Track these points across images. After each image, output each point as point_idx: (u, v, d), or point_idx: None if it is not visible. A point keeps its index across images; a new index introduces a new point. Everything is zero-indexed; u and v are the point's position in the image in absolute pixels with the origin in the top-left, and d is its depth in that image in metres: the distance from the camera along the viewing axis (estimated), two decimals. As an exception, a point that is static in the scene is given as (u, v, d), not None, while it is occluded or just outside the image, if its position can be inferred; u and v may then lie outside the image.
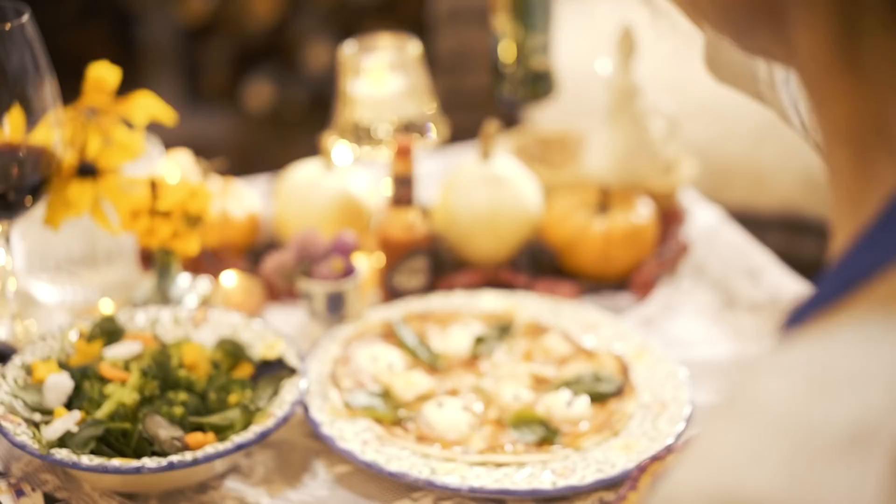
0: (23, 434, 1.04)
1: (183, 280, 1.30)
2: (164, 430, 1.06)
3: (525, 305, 1.32)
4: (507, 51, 1.54)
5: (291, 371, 1.13)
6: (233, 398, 1.10)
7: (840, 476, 0.42)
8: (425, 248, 1.33)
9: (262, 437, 1.06)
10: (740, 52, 1.05)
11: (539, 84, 1.55)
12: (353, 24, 3.47)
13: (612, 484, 1.07)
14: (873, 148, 0.49)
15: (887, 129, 0.49)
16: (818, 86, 0.51)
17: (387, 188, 1.34)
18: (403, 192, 1.31)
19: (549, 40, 1.55)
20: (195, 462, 1.02)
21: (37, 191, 1.21)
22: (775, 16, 0.53)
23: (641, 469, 1.04)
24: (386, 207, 1.35)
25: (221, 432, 1.07)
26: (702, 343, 1.30)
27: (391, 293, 1.33)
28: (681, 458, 0.46)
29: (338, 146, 1.42)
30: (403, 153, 1.29)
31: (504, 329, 1.27)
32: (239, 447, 1.04)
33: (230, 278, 1.34)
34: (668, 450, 1.08)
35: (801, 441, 0.43)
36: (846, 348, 0.45)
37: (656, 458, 1.05)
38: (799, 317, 0.49)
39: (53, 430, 1.04)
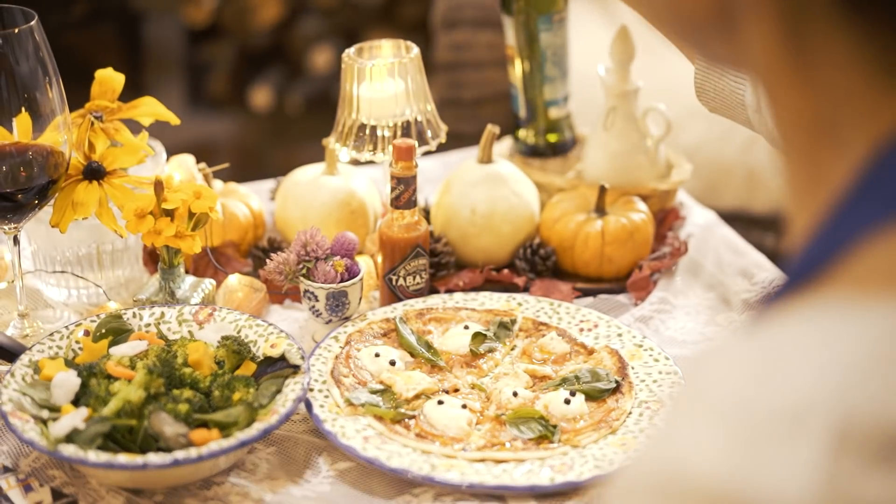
0: (31, 431, 1.05)
1: (187, 280, 1.31)
2: (169, 427, 1.07)
3: (524, 305, 1.33)
4: (523, 102, 1.55)
5: (294, 369, 1.15)
6: (236, 396, 1.11)
7: (780, 454, 0.43)
8: (426, 248, 1.34)
9: (266, 434, 1.07)
10: (725, 78, 1.06)
11: (559, 134, 1.56)
12: (355, 28, 3.48)
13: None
14: (823, 141, 0.51)
15: (835, 122, 0.50)
16: (770, 84, 0.53)
17: (388, 189, 1.35)
18: (404, 193, 1.32)
19: (568, 91, 1.56)
20: (200, 458, 1.04)
21: (44, 192, 1.22)
22: (727, 20, 0.54)
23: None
24: (387, 209, 1.35)
25: (225, 429, 1.08)
26: (697, 342, 1.31)
27: (392, 293, 1.34)
28: (640, 448, 0.48)
29: (340, 148, 1.43)
30: (404, 155, 1.30)
31: (503, 328, 1.29)
32: (243, 444, 1.05)
33: (233, 278, 1.35)
34: None
35: (744, 422, 0.44)
36: (794, 333, 0.46)
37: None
38: (762, 305, 0.50)
39: (61, 427, 1.06)
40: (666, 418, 0.48)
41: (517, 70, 1.54)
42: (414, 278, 1.33)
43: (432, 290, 1.39)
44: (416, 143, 1.30)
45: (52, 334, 1.18)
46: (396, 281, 1.33)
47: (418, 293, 1.34)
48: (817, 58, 0.50)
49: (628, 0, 0.77)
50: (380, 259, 1.34)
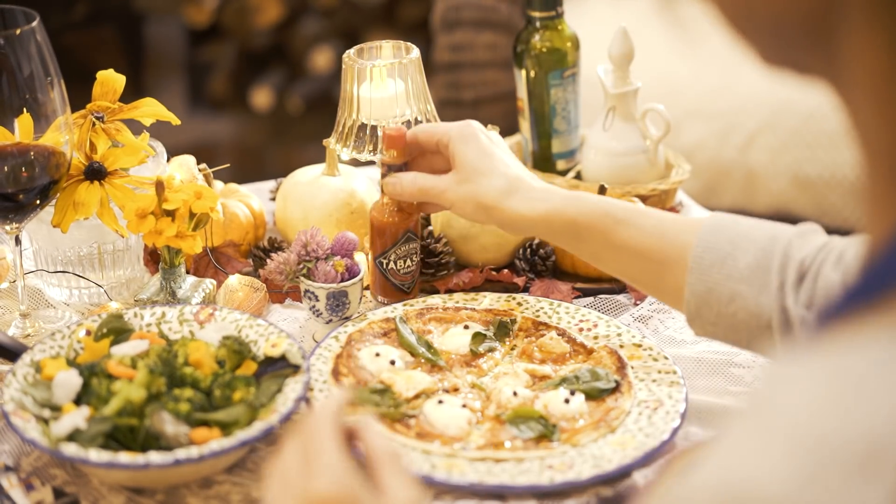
0: (32, 430, 1.06)
1: (188, 280, 1.32)
2: (170, 427, 1.07)
3: (524, 305, 1.34)
4: (531, 153, 1.56)
5: (294, 368, 1.15)
6: (237, 395, 1.11)
7: (849, 490, 0.43)
8: (417, 232, 1.34)
9: (266, 433, 1.07)
10: (735, 301, 1.06)
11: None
12: (355, 28, 3.48)
13: (608, 479, 1.09)
14: None
15: None
16: (865, 98, 0.51)
17: (378, 175, 1.36)
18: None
19: (577, 144, 1.56)
20: (201, 458, 1.04)
21: (46, 192, 1.23)
22: (825, 28, 0.52)
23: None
24: (378, 194, 1.36)
25: (226, 428, 1.09)
26: (695, 342, 1.31)
27: (383, 276, 1.34)
28: (702, 456, 0.47)
29: (340, 148, 1.44)
30: (393, 141, 1.29)
31: (503, 328, 1.29)
32: (243, 443, 1.06)
33: (234, 278, 1.36)
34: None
35: (817, 450, 0.44)
36: (871, 360, 0.45)
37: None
38: (828, 317, 0.49)
39: (62, 426, 1.06)
40: (732, 434, 0.47)
41: (526, 122, 1.55)
42: (405, 262, 1.34)
43: (432, 290, 1.39)
44: (406, 130, 1.30)
45: (53, 334, 1.19)
46: (387, 265, 1.33)
47: (409, 276, 1.35)
48: None
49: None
50: (367, 243, 1.36)
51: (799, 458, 0.44)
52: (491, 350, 1.27)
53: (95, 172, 1.27)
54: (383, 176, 1.30)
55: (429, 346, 1.26)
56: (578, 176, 1.57)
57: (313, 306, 1.29)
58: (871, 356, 0.45)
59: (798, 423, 0.45)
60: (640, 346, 1.26)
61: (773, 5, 0.53)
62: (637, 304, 1.38)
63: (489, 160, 1.21)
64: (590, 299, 1.40)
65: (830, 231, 1.00)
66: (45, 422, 1.08)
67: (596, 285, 1.41)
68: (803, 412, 0.45)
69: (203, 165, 1.46)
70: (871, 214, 0.52)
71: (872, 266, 0.49)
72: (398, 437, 1.13)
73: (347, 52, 1.43)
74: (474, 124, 1.25)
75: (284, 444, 0.85)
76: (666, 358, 1.24)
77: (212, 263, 1.40)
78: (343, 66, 1.42)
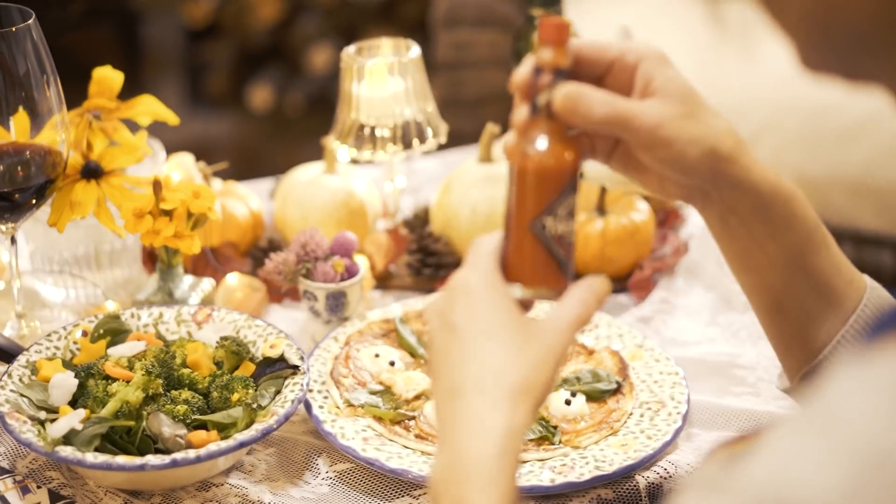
0: (28, 432, 1.05)
1: (186, 280, 1.31)
2: (167, 428, 1.06)
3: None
4: None
5: (293, 370, 1.15)
6: (235, 396, 1.11)
7: None
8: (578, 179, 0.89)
9: (265, 435, 1.07)
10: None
11: None
12: (354, 27, 3.48)
13: (609, 481, 1.08)
14: None
15: None
16: None
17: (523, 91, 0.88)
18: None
19: None
20: (198, 459, 1.03)
21: (42, 191, 1.22)
22: (892, 33, 0.50)
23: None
24: (519, 124, 0.86)
25: (224, 430, 1.08)
26: (698, 342, 1.31)
27: (545, 252, 0.85)
28: (754, 452, 0.47)
29: (339, 147, 1.43)
30: (559, 33, 0.85)
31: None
32: (241, 445, 1.05)
33: (232, 278, 1.35)
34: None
35: (872, 461, 0.43)
36: None
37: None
38: (889, 324, 0.48)
39: (58, 428, 1.05)
40: (788, 433, 0.46)
41: None
42: (569, 223, 0.86)
43: (432, 291, 1.39)
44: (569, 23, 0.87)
45: (49, 335, 1.18)
46: (555, 227, 0.85)
47: (572, 246, 0.87)
48: None
49: (770, 9, 0.59)
50: (511, 201, 0.86)
51: (854, 467, 0.43)
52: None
53: (92, 171, 1.26)
54: (541, 89, 0.86)
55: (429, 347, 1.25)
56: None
57: (312, 307, 1.29)
58: None
59: (855, 431, 0.44)
60: (641, 346, 1.25)
61: (834, 14, 0.52)
62: (638, 305, 1.37)
63: (704, 101, 0.90)
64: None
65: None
66: (41, 423, 1.08)
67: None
68: (862, 421, 0.45)
69: (201, 164, 1.45)
70: None
71: None
72: (398, 438, 1.13)
73: (346, 50, 1.42)
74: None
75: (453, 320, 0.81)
76: (668, 359, 1.23)
77: (210, 263, 1.40)
78: (342, 65, 1.41)
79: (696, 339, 1.31)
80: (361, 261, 1.33)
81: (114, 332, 1.19)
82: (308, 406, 1.16)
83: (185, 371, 1.13)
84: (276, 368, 1.15)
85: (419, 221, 1.48)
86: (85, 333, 1.19)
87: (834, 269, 0.93)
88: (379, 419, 1.15)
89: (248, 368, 1.16)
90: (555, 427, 1.14)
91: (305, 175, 1.46)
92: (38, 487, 1.09)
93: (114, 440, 1.06)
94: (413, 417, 1.16)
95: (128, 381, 1.10)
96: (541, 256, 0.86)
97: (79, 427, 1.05)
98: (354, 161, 1.46)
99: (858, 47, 0.52)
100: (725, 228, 0.93)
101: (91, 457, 1.02)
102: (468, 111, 2.60)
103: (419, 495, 1.09)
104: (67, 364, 1.15)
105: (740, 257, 0.94)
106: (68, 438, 1.05)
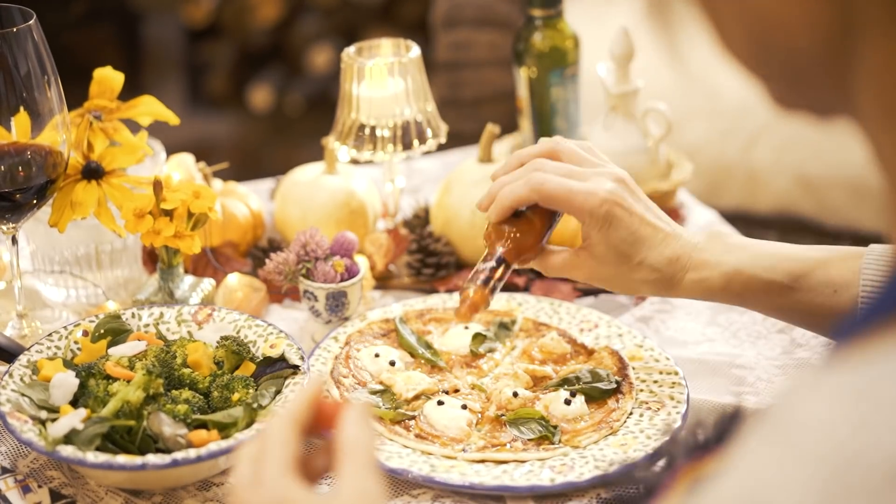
0: (29, 431, 1.05)
1: (186, 280, 1.31)
2: (168, 428, 1.06)
3: (524, 305, 1.33)
4: None
5: (293, 369, 1.15)
6: (236, 396, 1.11)
7: None
8: None
9: (265, 435, 1.07)
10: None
11: None
12: (354, 27, 3.48)
13: (609, 481, 1.08)
14: None
15: None
16: (885, 127, 0.50)
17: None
18: None
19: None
20: (199, 459, 1.03)
21: (43, 191, 1.22)
22: (842, 59, 0.51)
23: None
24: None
25: (225, 430, 1.08)
26: (697, 342, 1.31)
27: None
28: (717, 471, 0.46)
29: (339, 148, 1.43)
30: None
31: (504, 328, 1.29)
32: (242, 444, 1.05)
33: (233, 278, 1.35)
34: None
35: (839, 470, 0.43)
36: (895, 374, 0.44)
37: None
38: (850, 330, 0.48)
39: (59, 428, 1.05)
40: (751, 448, 0.46)
41: (527, 121, 1.54)
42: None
43: (432, 290, 1.39)
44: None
45: (50, 334, 1.18)
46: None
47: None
48: None
49: (717, 37, 0.62)
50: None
51: (822, 477, 0.43)
52: (491, 351, 1.26)
53: (93, 172, 1.26)
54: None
55: (429, 347, 1.26)
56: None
57: (312, 306, 1.29)
58: (894, 370, 0.45)
59: (819, 441, 0.44)
60: (641, 346, 1.25)
61: (788, 40, 0.52)
62: (638, 305, 1.38)
63: (638, 243, 1.11)
64: (591, 299, 1.39)
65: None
66: (42, 423, 1.08)
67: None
68: (824, 430, 0.44)
69: (202, 164, 1.45)
70: (894, 235, 0.51)
71: (894, 282, 0.48)
72: (397, 438, 1.13)
73: (347, 50, 1.42)
74: (567, 145, 1.14)
75: (242, 449, 0.82)
76: (668, 359, 1.23)
77: (210, 263, 1.40)
78: (342, 65, 1.41)
79: (695, 338, 1.31)
80: (361, 261, 1.34)
81: (114, 331, 1.19)
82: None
83: (186, 371, 1.13)
84: (276, 368, 1.15)
85: (419, 221, 1.48)
86: (86, 333, 1.19)
87: (816, 296, 1.07)
88: (379, 419, 1.15)
89: (248, 368, 1.16)
90: (554, 427, 1.14)
91: (305, 175, 1.46)
92: (40, 487, 1.09)
93: (114, 440, 1.06)
94: (413, 417, 1.16)
95: (128, 381, 1.10)
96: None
97: (80, 426, 1.05)
98: (354, 161, 1.46)
99: (811, 83, 0.53)
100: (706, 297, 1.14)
101: (92, 456, 1.03)
102: (468, 111, 2.60)
103: (418, 495, 1.09)
104: (68, 364, 1.15)
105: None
106: (69, 438, 1.05)
